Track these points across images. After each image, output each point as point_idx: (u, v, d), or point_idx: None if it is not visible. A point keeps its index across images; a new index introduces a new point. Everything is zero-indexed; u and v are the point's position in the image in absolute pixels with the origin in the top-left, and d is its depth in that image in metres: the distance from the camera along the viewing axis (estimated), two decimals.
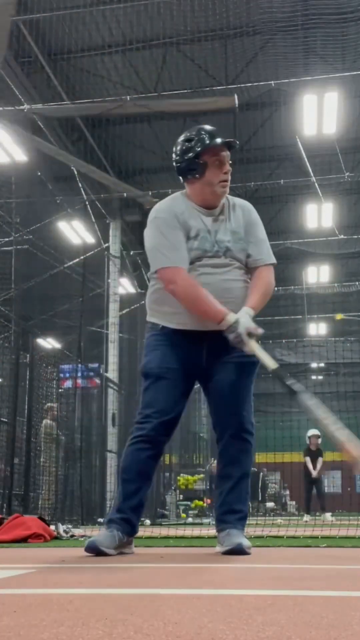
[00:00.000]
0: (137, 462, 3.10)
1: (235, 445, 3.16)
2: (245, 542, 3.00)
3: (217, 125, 3.31)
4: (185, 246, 3.10)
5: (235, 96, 6.11)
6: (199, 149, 3.14)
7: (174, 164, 3.25)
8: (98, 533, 3.14)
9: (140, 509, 3.15)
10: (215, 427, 3.25)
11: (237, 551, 2.92)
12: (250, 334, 2.94)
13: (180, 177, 3.28)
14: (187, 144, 3.20)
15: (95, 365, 13.44)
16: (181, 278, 3.04)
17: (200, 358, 3.16)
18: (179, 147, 3.23)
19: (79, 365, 10.58)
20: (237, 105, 6.40)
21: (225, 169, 3.18)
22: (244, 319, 2.96)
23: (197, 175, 3.16)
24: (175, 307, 3.11)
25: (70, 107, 11.07)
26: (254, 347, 2.97)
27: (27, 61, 10.57)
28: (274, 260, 3.27)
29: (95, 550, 2.93)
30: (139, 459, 3.10)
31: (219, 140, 3.16)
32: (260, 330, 2.98)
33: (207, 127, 3.27)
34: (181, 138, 3.25)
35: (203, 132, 3.20)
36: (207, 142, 3.15)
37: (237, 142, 3.27)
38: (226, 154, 3.19)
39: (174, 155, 3.25)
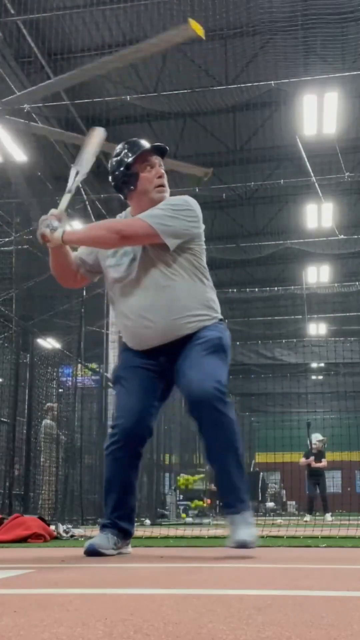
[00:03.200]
0: (118, 473, 3.07)
1: (209, 419, 2.88)
2: (249, 536, 2.85)
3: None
4: (86, 253, 3.33)
5: (190, 22, 5.73)
6: (128, 159, 3.11)
7: (112, 184, 3.22)
8: (95, 536, 3.14)
9: (131, 514, 3.13)
10: (190, 413, 3.01)
11: (242, 547, 2.84)
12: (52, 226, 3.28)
13: (122, 196, 3.24)
14: (115, 159, 3.17)
15: (95, 365, 13.43)
16: None
17: (158, 362, 3.11)
18: (110, 167, 3.20)
19: (79, 365, 10.58)
20: (202, 35, 5.96)
21: (158, 173, 3.12)
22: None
23: (132, 187, 3.12)
24: (119, 325, 3.28)
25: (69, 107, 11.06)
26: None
27: (27, 61, 10.56)
28: (146, 220, 2.98)
29: (95, 554, 2.94)
30: (119, 469, 3.07)
31: (146, 145, 3.14)
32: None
33: (132, 139, 3.24)
34: (111, 158, 3.21)
35: (128, 144, 3.19)
36: (134, 150, 3.13)
37: (167, 148, 3.21)
38: (156, 158, 3.14)
39: (109, 177, 3.21)
